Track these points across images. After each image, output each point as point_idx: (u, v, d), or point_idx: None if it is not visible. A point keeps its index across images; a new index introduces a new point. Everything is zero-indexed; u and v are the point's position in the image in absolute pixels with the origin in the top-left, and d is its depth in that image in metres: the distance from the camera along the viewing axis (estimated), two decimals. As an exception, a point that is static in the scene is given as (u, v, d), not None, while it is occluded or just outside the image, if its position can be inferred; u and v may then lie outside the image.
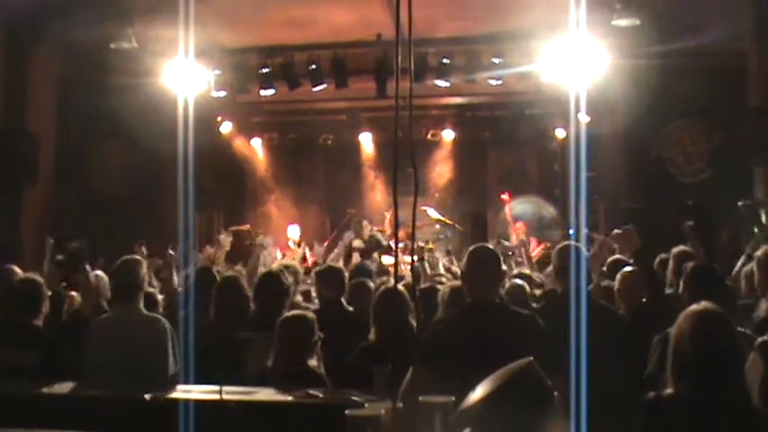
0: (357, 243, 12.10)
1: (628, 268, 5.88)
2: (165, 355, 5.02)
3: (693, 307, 3.40)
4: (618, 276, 5.89)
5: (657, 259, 6.89)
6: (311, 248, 13.82)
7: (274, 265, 7.54)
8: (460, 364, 3.41)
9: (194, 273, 6.55)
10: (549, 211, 15.89)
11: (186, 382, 4.73)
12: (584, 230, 7.94)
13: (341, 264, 8.34)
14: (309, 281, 8.05)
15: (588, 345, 3.76)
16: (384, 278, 7.87)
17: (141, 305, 5.34)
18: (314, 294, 7.58)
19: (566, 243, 5.48)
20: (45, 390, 4.70)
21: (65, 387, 4.77)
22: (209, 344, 5.02)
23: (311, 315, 5.08)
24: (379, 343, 5.21)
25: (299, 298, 6.79)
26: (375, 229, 14.77)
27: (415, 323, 5.26)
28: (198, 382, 4.67)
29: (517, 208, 15.25)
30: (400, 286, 5.86)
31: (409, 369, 3.88)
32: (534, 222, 15.29)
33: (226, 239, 9.85)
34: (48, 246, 7.69)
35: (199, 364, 4.74)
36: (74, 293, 6.42)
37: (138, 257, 5.54)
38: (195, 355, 4.84)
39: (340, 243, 10.35)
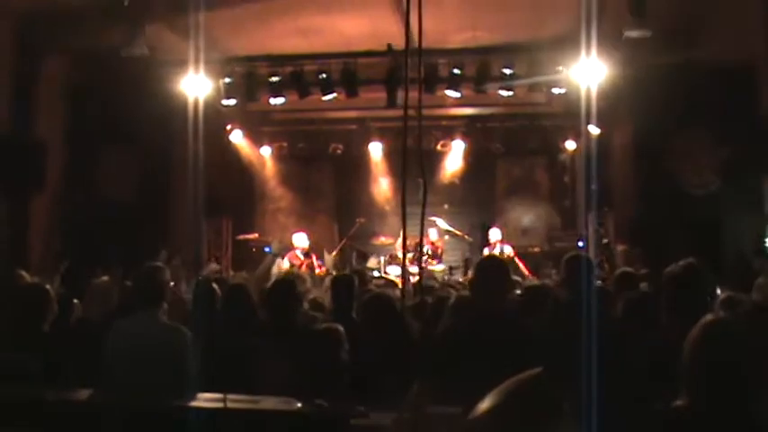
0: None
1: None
2: (184, 365, 4.96)
3: (706, 317, 3.38)
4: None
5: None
6: (319, 258, 13.82)
7: (283, 272, 7.49)
8: (468, 374, 3.39)
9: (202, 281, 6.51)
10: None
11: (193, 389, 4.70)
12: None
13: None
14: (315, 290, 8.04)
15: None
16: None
17: (161, 313, 5.31)
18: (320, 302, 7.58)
19: (575, 253, 5.47)
20: (49, 395, 4.68)
21: (69, 392, 4.75)
22: (217, 351, 5.00)
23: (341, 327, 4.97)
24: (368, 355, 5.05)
25: (305, 306, 6.75)
26: (383, 239, 14.76)
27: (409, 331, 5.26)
28: (205, 389, 4.65)
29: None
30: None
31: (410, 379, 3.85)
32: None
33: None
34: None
35: (206, 372, 4.72)
36: (75, 300, 6.39)
37: (160, 264, 5.49)
38: (202, 363, 4.82)
39: None
